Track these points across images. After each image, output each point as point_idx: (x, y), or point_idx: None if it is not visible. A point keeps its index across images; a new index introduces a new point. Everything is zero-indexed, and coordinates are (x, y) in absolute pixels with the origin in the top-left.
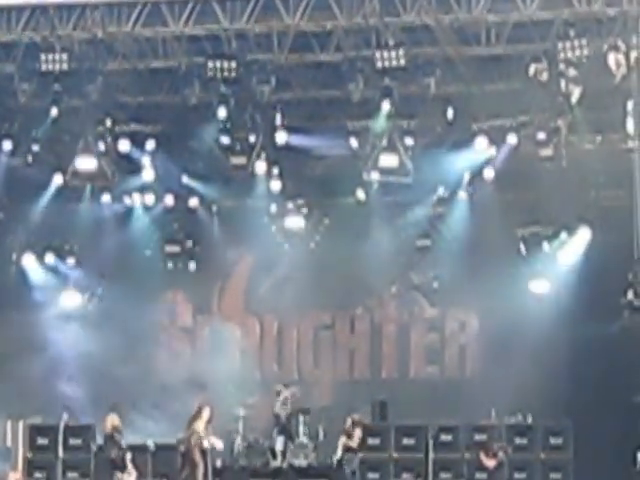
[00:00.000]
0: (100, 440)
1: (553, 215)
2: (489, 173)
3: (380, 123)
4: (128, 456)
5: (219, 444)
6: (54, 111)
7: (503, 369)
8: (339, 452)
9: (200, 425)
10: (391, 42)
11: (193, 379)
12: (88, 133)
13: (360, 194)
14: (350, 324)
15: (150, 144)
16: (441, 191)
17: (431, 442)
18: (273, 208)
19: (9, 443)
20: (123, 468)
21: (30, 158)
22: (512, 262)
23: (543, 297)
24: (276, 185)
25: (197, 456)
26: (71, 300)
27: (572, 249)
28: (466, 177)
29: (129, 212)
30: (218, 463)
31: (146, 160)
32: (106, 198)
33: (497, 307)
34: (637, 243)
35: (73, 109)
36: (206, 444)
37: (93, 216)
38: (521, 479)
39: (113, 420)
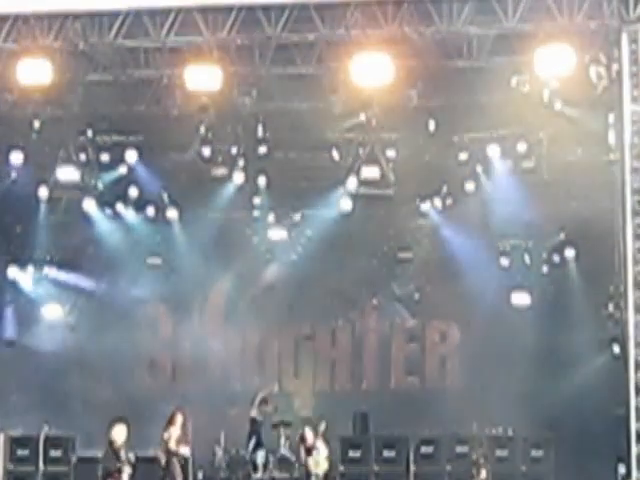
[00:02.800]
0: (82, 452)
1: (535, 227)
2: (470, 185)
3: None
4: (127, 470)
5: (186, 451)
6: (36, 123)
7: (484, 380)
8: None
9: (173, 432)
10: None
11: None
12: (69, 144)
13: (342, 206)
14: (331, 335)
15: (131, 155)
16: (422, 203)
17: (412, 454)
18: (255, 220)
19: None
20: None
21: (12, 171)
22: (493, 274)
23: (524, 309)
24: (258, 197)
25: (174, 465)
26: (53, 312)
27: (553, 261)
28: (447, 189)
29: (110, 223)
30: (200, 475)
31: (127, 171)
32: (87, 209)
33: (478, 318)
34: (618, 255)
35: (54, 120)
36: (182, 450)
37: (73, 227)
38: None
39: (117, 431)
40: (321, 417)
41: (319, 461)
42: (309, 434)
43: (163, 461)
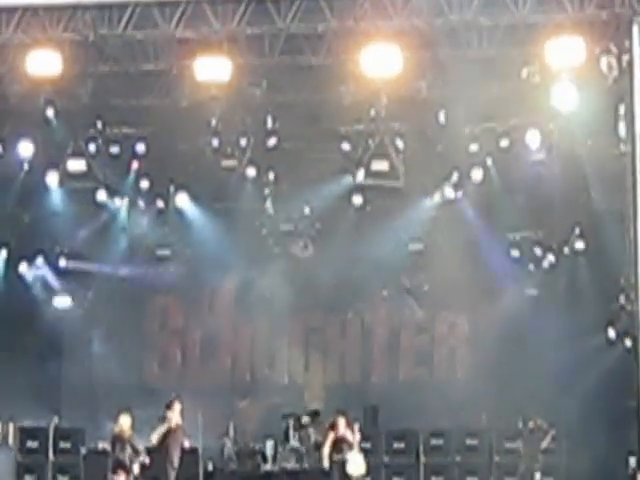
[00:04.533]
0: (92, 443)
1: (545, 219)
2: (480, 177)
3: None
4: (140, 459)
5: (186, 441)
6: (45, 114)
7: (493, 372)
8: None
9: (171, 420)
10: None
11: (183, 382)
12: (79, 135)
13: (351, 198)
14: (341, 327)
15: (140, 147)
16: (433, 195)
17: (422, 446)
18: (264, 211)
19: None
20: (127, 472)
21: (21, 161)
22: (503, 265)
23: (534, 300)
24: (267, 188)
25: (171, 452)
26: (61, 303)
27: (564, 253)
28: (458, 181)
29: (120, 215)
30: (209, 467)
31: (137, 163)
32: (96, 201)
33: (487, 310)
34: (629, 247)
35: (64, 111)
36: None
37: (83, 219)
38: None
39: (123, 422)
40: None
41: (358, 464)
42: (341, 422)
43: (161, 448)
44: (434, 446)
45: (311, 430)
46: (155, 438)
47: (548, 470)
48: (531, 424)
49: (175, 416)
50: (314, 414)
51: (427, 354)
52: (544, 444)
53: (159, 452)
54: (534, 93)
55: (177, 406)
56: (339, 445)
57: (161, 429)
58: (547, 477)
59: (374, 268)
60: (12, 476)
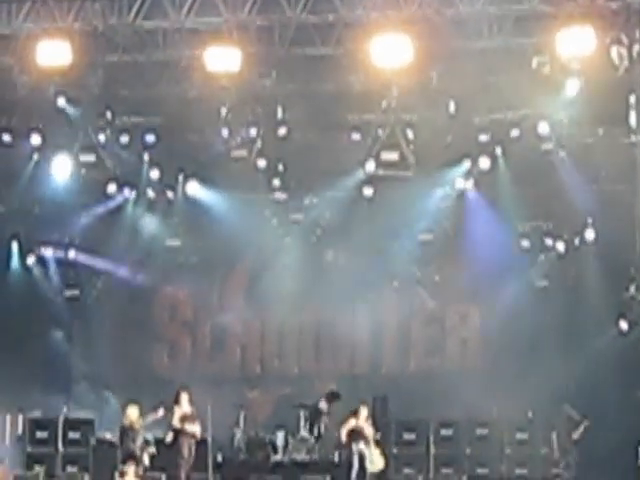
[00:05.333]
0: (100, 434)
1: (555, 209)
2: (490, 167)
3: None
4: (149, 450)
5: (194, 429)
6: (55, 104)
7: (504, 363)
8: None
9: (177, 411)
10: None
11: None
12: (88, 125)
13: (362, 188)
14: (351, 318)
15: (150, 137)
16: (443, 185)
17: (432, 437)
18: (274, 201)
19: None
20: (137, 462)
21: (31, 151)
22: (513, 255)
23: (544, 291)
24: (277, 178)
25: (181, 444)
26: (71, 294)
27: (574, 244)
28: (468, 171)
29: (129, 205)
30: (219, 457)
31: (146, 153)
32: (106, 191)
33: (498, 300)
34: (639, 237)
35: (73, 101)
36: (189, 428)
37: (93, 209)
38: (522, 474)
39: (131, 413)
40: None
41: (374, 459)
42: (364, 412)
43: (170, 440)
44: (444, 437)
45: (323, 420)
46: (144, 422)
47: (557, 461)
48: (565, 415)
49: (183, 406)
50: (332, 395)
51: (438, 345)
52: (576, 435)
53: (169, 443)
54: (544, 83)
55: (184, 397)
56: (356, 434)
57: (151, 416)
58: (556, 468)
59: (384, 258)
60: (22, 467)
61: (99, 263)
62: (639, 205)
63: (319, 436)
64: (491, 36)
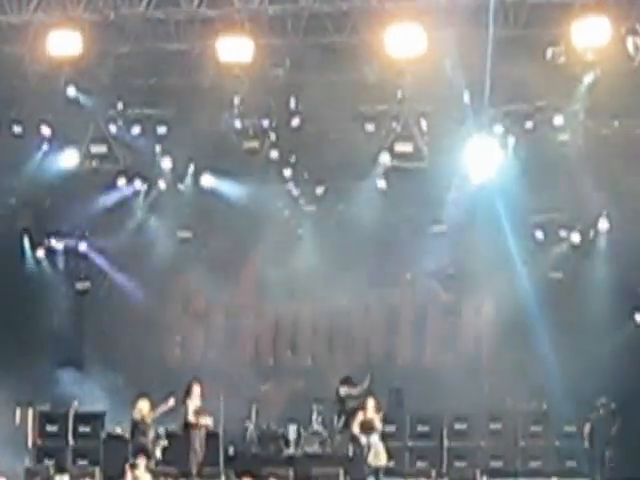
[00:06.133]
0: (111, 427)
1: (570, 201)
2: (505, 159)
3: None
4: (161, 443)
5: (208, 421)
6: (66, 95)
7: (519, 355)
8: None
9: (190, 404)
10: None
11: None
12: (99, 116)
13: (375, 179)
14: (365, 310)
15: (162, 128)
16: (457, 176)
17: (446, 430)
18: (287, 193)
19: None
20: (148, 456)
21: (42, 142)
22: (528, 247)
23: (559, 283)
24: (290, 169)
25: (193, 437)
26: (82, 286)
27: (589, 235)
28: (481, 162)
29: (140, 196)
30: (230, 450)
31: (158, 144)
32: (117, 183)
33: (513, 293)
34: None
35: (84, 92)
36: (202, 421)
37: (104, 201)
38: (536, 467)
39: (142, 407)
40: (368, 371)
41: (378, 453)
42: (370, 404)
43: (183, 434)
44: (458, 430)
45: (334, 414)
46: (155, 415)
47: (571, 454)
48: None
49: (195, 399)
50: (347, 380)
51: (452, 337)
52: (614, 429)
53: (180, 436)
54: (559, 74)
55: (196, 389)
56: (366, 427)
57: (162, 408)
58: (570, 461)
59: (398, 250)
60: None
61: (110, 255)
62: None
63: (345, 425)
64: (506, 26)
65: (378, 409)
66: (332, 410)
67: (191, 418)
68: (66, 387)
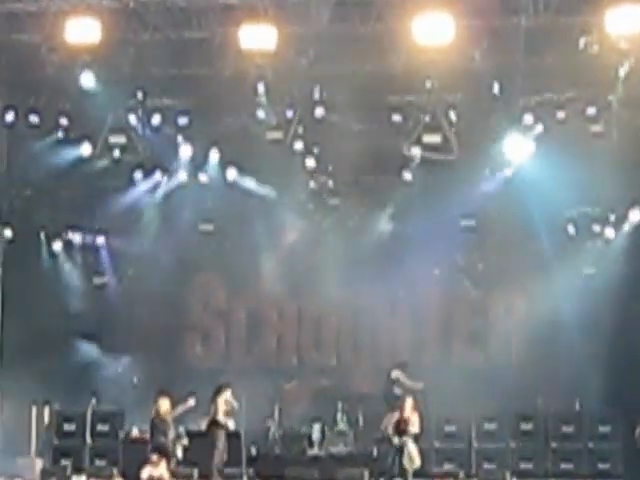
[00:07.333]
0: (127, 427)
1: (603, 194)
2: (537, 151)
3: None
4: (182, 442)
5: (231, 424)
6: (85, 84)
7: (550, 354)
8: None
9: (220, 404)
10: None
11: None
12: (119, 106)
13: (402, 172)
14: (391, 307)
15: (183, 118)
16: (487, 169)
17: (474, 431)
18: (311, 185)
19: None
20: (168, 457)
21: (59, 133)
22: (560, 243)
23: (592, 279)
24: (314, 161)
25: (219, 438)
26: (100, 282)
27: (622, 230)
28: (512, 155)
29: (161, 189)
30: (253, 451)
31: (179, 135)
32: (137, 175)
33: (544, 290)
34: None
35: (103, 81)
36: (230, 424)
37: (124, 194)
38: (568, 469)
39: (162, 405)
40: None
41: (413, 457)
42: (408, 403)
43: (208, 432)
44: (487, 431)
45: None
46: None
47: (604, 455)
48: None
49: (221, 403)
50: (402, 365)
51: (481, 335)
52: None
53: (202, 436)
54: (592, 63)
55: (227, 393)
56: (401, 427)
57: (181, 408)
58: (603, 463)
59: (426, 245)
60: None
61: (129, 250)
62: None
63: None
64: (537, 14)
65: (415, 409)
66: (357, 409)
67: (221, 418)
68: (83, 385)
